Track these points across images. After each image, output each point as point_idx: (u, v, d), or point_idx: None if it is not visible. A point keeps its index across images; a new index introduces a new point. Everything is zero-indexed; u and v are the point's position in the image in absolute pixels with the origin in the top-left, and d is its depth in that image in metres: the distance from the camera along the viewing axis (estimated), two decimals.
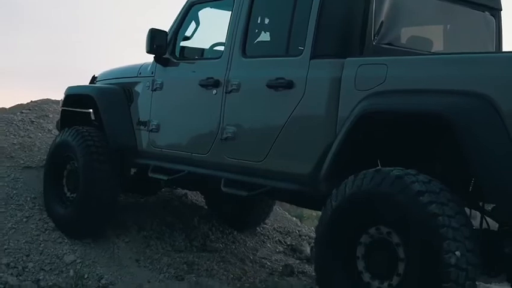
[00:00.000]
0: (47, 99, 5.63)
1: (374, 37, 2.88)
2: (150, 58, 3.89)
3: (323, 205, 2.71)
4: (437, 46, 3.22)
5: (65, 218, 4.08)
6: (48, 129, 5.13)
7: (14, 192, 4.27)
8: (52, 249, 3.90)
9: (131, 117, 3.98)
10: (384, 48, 2.89)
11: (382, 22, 2.90)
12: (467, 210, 2.59)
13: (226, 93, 3.32)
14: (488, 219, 2.76)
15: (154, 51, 3.71)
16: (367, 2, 2.86)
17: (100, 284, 3.71)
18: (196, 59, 3.91)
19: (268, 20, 3.45)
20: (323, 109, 2.85)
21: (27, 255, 3.81)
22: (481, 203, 2.71)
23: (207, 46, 3.91)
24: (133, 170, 4.31)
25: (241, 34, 3.31)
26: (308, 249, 4.65)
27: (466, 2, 3.21)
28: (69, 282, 3.60)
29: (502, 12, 3.39)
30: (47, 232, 4.04)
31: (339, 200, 2.60)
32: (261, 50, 3.39)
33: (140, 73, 4.05)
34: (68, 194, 4.18)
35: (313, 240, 2.84)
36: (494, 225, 2.75)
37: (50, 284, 3.64)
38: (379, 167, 2.67)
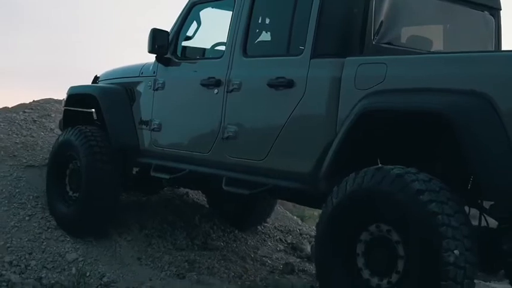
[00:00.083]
0: (49, 98, 5.66)
1: (374, 36, 2.90)
2: (152, 58, 3.92)
3: (323, 203, 2.73)
4: (437, 45, 3.23)
5: (67, 217, 4.10)
6: (51, 129, 5.15)
7: (17, 190, 4.30)
8: (54, 248, 3.92)
9: (133, 117, 4.00)
10: (383, 48, 2.91)
11: (381, 22, 2.92)
12: (466, 208, 2.61)
13: (227, 92, 3.34)
14: (487, 217, 2.78)
15: (156, 51, 3.73)
16: (367, 1, 2.88)
17: (102, 282, 3.73)
18: (198, 58, 3.92)
19: (268, 19, 3.47)
20: (323, 108, 2.87)
21: (30, 253, 3.84)
22: (479, 201, 2.73)
23: (208, 46, 3.93)
24: (135, 169, 4.34)
25: (242, 34, 3.33)
26: (309, 248, 4.67)
27: (466, 1, 3.23)
28: (71, 280, 3.62)
29: (502, 12, 3.41)
30: (49, 230, 4.06)
31: (339, 197, 2.62)
32: (262, 49, 3.41)
33: (142, 73, 4.07)
34: (71, 193, 4.20)
35: (314, 239, 2.86)
36: (493, 223, 2.77)
37: (52, 281, 3.66)
38: (379, 165, 2.68)
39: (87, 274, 3.73)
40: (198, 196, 5.00)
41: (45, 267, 3.77)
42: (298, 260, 4.54)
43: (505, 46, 3.42)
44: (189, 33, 3.85)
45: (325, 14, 2.92)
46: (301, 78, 2.96)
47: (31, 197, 4.29)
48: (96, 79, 4.63)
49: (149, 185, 4.41)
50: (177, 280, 3.81)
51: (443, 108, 2.45)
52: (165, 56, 3.80)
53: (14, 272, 3.67)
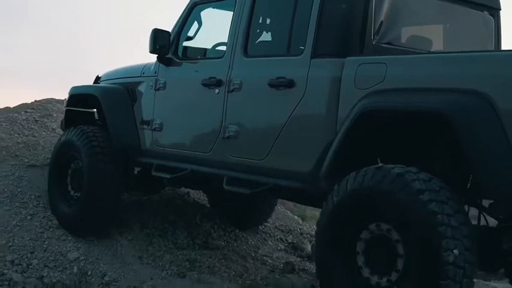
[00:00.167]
0: (51, 98, 5.68)
1: (374, 37, 2.92)
2: (153, 58, 3.93)
3: (324, 202, 2.74)
4: (437, 45, 3.25)
5: (69, 216, 4.12)
6: (52, 128, 5.17)
7: (19, 190, 4.31)
8: (56, 247, 3.93)
9: (135, 117, 4.02)
10: (383, 48, 2.92)
11: (381, 22, 2.93)
12: (465, 207, 2.62)
13: (228, 92, 3.35)
14: (487, 216, 2.79)
15: (158, 51, 3.75)
16: (367, 2, 2.89)
17: (103, 281, 3.74)
18: (199, 58, 3.94)
19: (269, 20, 3.49)
20: (323, 108, 2.89)
21: (32, 253, 3.85)
22: (479, 200, 2.74)
23: (209, 46, 3.94)
24: (136, 169, 4.35)
25: (243, 34, 3.35)
26: (309, 247, 4.68)
27: (465, 1, 3.24)
28: (73, 279, 3.63)
29: (501, 12, 3.42)
30: (51, 230, 4.08)
31: (340, 196, 2.63)
32: (263, 49, 3.43)
33: (143, 73, 4.08)
34: (72, 192, 4.22)
35: (315, 237, 2.87)
36: (493, 222, 2.78)
37: (54, 280, 3.67)
38: (380, 164, 2.69)
39: (89, 273, 3.74)
40: (199, 196, 5.01)
41: (46, 266, 3.79)
42: (298, 259, 4.55)
43: (504, 46, 3.45)
44: (190, 33, 3.87)
45: (325, 14, 2.94)
46: (301, 78, 2.98)
47: (33, 197, 4.30)
48: (97, 79, 4.65)
49: (150, 185, 4.43)
50: (178, 279, 3.82)
51: (443, 108, 2.46)
52: (167, 56, 3.82)
53: (16, 271, 3.68)
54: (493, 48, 3.35)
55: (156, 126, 3.85)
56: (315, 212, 5.57)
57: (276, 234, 4.91)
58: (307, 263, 4.44)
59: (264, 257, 4.46)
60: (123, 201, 4.28)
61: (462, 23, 3.32)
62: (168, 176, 3.73)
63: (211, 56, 3.88)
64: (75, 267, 3.78)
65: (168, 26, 3.86)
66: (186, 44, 3.87)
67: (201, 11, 3.81)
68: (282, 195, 3.63)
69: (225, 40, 3.49)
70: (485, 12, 3.34)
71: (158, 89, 3.89)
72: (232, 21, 3.43)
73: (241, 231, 4.73)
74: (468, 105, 2.42)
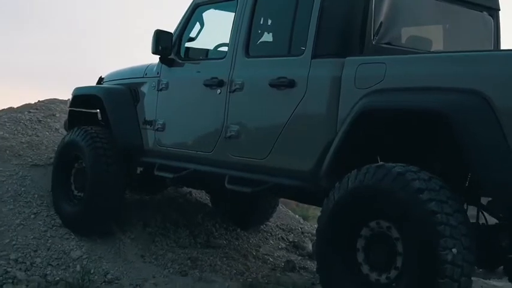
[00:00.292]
0: (54, 98, 5.72)
1: (373, 37, 2.95)
2: (156, 59, 3.97)
3: (325, 199, 2.77)
4: (436, 45, 3.27)
5: (72, 216, 4.15)
6: (56, 128, 5.21)
7: (22, 189, 4.34)
8: (59, 245, 3.96)
9: (137, 117, 4.04)
10: (383, 48, 2.95)
11: (381, 22, 2.96)
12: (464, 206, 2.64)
13: (230, 92, 3.38)
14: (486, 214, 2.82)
15: (160, 52, 3.78)
16: (367, 2, 2.92)
17: (106, 279, 3.77)
18: (201, 59, 3.96)
19: (270, 21, 3.52)
20: (324, 107, 2.92)
21: (35, 251, 3.88)
22: (478, 199, 2.76)
23: (211, 47, 3.97)
24: (139, 169, 4.38)
25: (245, 35, 3.38)
26: (310, 246, 4.71)
27: (465, 2, 3.27)
28: (76, 277, 3.66)
29: (500, 12, 3.45)
30: (54, 228, 4.11)
31: (341, 193, 2.66)
32: (264, 50, 3.46)
33: (146, 74, 4.11)
34: (76, 192, 4.24)
35: (315, 233, 2.89)
36: (492, 221, 2.81)
37: (57, 278, 3.70)
38: (380, 162, 2.72)
39: (92, 271, 3.76)
40: (201, 195, 5.04)
41: (50, 264, 3.81)
42: (299, 258, 4.58)
43: (503, 46, 3.46)
44: (192, 34, 3.90)
45: (325, 15, 2.97)
46: (302, 78, 3.01)
47: (36, 196, 4.33)
48: (100, 80, 4.69)
49: (153, 185, 4.46)
50: (179, 277, 3.84)
51: (442, 107, 2.49)
52: (169, 57, 3.85)
53: (20, 269, 3.71)
54: (492, 49, 3.38)
55: (159, 126, 3.88)
56: (317, 212, 5.57)
57: (277, 233, 4.94)
58: (308, 262, 4.47)
59: (265, 256, 4.48)
60: (125, 200, 4.30)
61: (461, 24, 3.34)
62: (171, 176, 3.76)
63: (213, 57, 3.90)
64: (78, 266, 3.81)
65: (167, 25, 3.89)
66: (188, 44, 3.90)
67: (203, 12, 3.84)
68: (283, 194, 3.65)
69: (227, 41, 3.52)
70: (485, 12, 3.36)
71: (161, 90, 3.92)
72: (234, 22, 3.46)
73: (243, 230, 4.75)
74: (467, 104, 2.44)
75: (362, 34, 2.91)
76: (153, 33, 3.76)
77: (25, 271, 3.71)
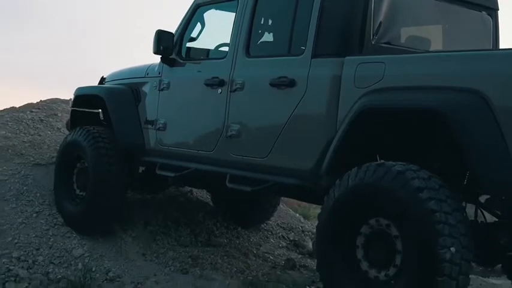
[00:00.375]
0: (56, 98, 5.75)
1: (373, 36, 2.97)
2: (157, 59, 3.99)
3: (325, 196, 2.78)
4: (435, 45, 3.29)
5: (74, 215, 4.17)
6: (57, 128, 5.24)
7: (25, 188, 4.36)
8: (61, 244, 3.99)
9: (139, 117, 4.07)
10: (382, 47, 2.97)
11: (380, 22, 2.98)
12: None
13: (230, 92, 3.41)
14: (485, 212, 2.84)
15: (161, 52, 3.80)
16: (366, 3, 2.94)
17: (107, 277, 3.79)
18: (202, 59, 3.98)
19: (271, 21, 3.54)
20: (324, 106, 2.94)
21: (37, 249, 3.90)
22: (477, 197, 2.79)
23: (212, 47, 3.99)
24: (141, 169, 4.41)
25: (245, 35, 3.40)
26: (310, 245, 4.73)
27: (464, 1, 3.29)
28: (78, 275, 3.68)
29: (499, 12, 3.47)
30: (56, 227, 4.13)
31: (341, 191, 2.68)
32: (264, 50, 3.48)
33: (147, 73, 4.13)
34: (78, 191, 4.26)
35: (316, 230, 2.91)
36: (490, 218, 2.83)
37: (59, 276, 3.72)
38: (381, 161, 2.73)
39: (93, 269, 3.79)
40: (202, 194, 5.07)
41: (52, 262, 3.84)
42: (299, 256, 4.60)
43: (502, 46, 3.49)
44: (193, 34, 3.92)
45: (325, 15, 2.99)
46: (302, 78, 3.03)
47: (38, 195, 4.35)
48: (102, 80, 4.71)
49: (155, 184, 4.49)
50: (180, 275, 3.86)
51: (440, 106, 2.51)
52: (170, 57, 3.87)
53: (22, 267, 3.73)
54: (491, 48, 3.40)
55: (160, 125, 3.90)
56: (318, 211, 5.59)
57: (277, 231, 4.96)
58: (308, 260, 4.49)
59: (266, 254, 4.50)
60: (127, 199, 4.32)
61: (460, 23, 3.36)
62: (172, 175, 3.78)
63: (214, 57, 3.92)
64: (80, 264, 3.84)
65: (167, 25, 3.92)
66: (189, 44, 3.92)
67: (204, 12, 3.87)
68: (284, 192, 3.67)
69: (228, 41, 3.55)
70: (484, 12, 3.38)
71: (162, 89, 3.94)
72: (235, 22, 3.49)
73: (244, 229, 4.77)
74: (465, 103, 2.46)
75: (361, 34, 2.94)
76: (154, 34, 3.79)
77: (27, 269, 3.74)
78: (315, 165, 2.94)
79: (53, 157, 4.64)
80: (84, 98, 4.45)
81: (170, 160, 3.82)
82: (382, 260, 2.59)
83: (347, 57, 2.91)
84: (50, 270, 3.78)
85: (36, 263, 3.81)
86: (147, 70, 4.17)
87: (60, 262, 3.85)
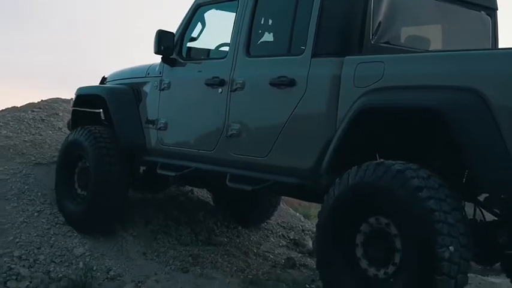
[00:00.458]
0: (57, 98, 5.77)
1: (372, 36, 2.98)
2: (157, 59, 4.01)
3: (325, 195, 2.80)
4: (435, 45, 3.30)
5: (75, 214, 4.18)
6: (59, 127, 5.26)
7: (26, 187, 4.38)
8: (62, 243, 4.00)
9: (140, 116, 4.08)
10: (382, 47, 2.99)
11: (380, 22, 3.00)
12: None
13: (231, 91, 3.42)
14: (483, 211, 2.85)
15: (162, 52, 3.82)
16: (366, 2, 2.96)
17: (108, 276, 3.80)
18: (202, 59, 4.00)
19: (271, 21, 3.56)
20: (324, 106, 2.95)
21: (39, 248, 3.92)
22: (475, 195, 2.80)
23: (212, 47, 4.01)
24: (142, 168, 4.42)
25: (245, 35, 3.42)
26: (310, 244, 4.74)
27: (463, 1, 3.30)
28: (79, 273, 3.69)
29: (498, 12, 3.48)
30: (57, 226, 4.15)
31: (341, 189, 2.69)
32: (264, 49, 3.50)
33: (148, 73, 4.15)
34: (79, 190, 4.28)
35: (315, 227, 2.92)
36: (489, 217, 2.84)
37: (60, 275, 3.74)
38: (381, 160, 2.75)
39: (94, 268, 3.80)
40: (202, 193, 5.08)
41: (53, 261, 3.85)
42: (299, 255, 4.61)
43: (501, 45, 3.50)
44: (194, 34, 3.93)
45: (325, 15, 3.01)
46: (302, 77, 3.05)
47: (39, 194, 4.37)
48: (103, 80, 4.73)
49: (156, 183, 4.50)
50: (181, 274, 3.87)
51: (439, 105, 2.52)
52: (171, 57, 3.88)
53: (23, 266, 3.75)
54: (490, 47, 3.41)
55: (161, 125, 3.92)
56: (319, 211, 5.61)
57: (278, 231, 4.98)
58: (308, 259, 4.50)
59: (266, 253, 4.52)
60: (128, 198, 4.33)
61: (460, 23, 3.37)
62: (173, 174, 3.79)
63: (215, 57, 3.94)
64: (81, 263, 3.85)
65: (167, 25, 3.94)
66: (190, 44, 3.94)
67: (205, 12, 3.88)
68: (284, 191, 3.68)
69: (228, 41, 3.56)
70: (483, 12, 3.39)
71: (163, 89, 3.95)
72: (235, 22, 3.50)
73: (244, 228, 4.79)
74: (463, 102, 2.48)
75: (361, 33, 2.95)
76: (155, 34, 3.80)
77: (28, 268, 3.75)
78: (315, 164, 2.96)
79: (54, 156, 4.65)
80: (85, 97, 4.46)
81: (171, 159, 3.84)
82: (382, 259, 2.60)
83: (347, 57, 2.92)
84: (51, 269, 3.79)
85: (38, 261, 3.82)
86: (148, 70, 4.18)
87: (61, 261, 3.87)
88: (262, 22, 3.53)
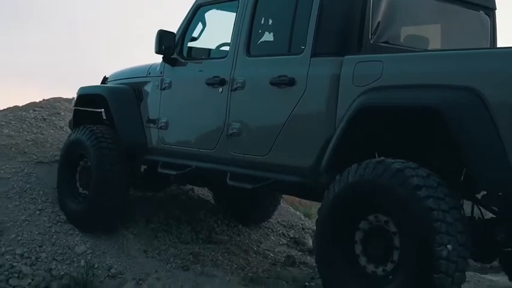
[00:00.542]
0: (59, 97, 5.80)
1: (371, 36, 3.00)
2: (159, 58, 4.03)
3: (325, 192, 2.82)
4: (434, 44, 3.32)
5: (77, 213, 4.21)
6: (60, 127, 5.28)
7: (28, 186, 4.40)
8: (64, 241, 4.02)
9: (141, 116, 4.10)
10: (381, 47, 3.01)
11: (379, 21, 3.02)
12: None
13: (231, 91, 3.44)
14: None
15: (163, 51, 3.84)
16: (365, 2, 2.98)
17: (109, 274, 3.82)
18: (203, 58, 4.02)
19: (271, 20, 3.58)
20: (323, 105, 2.98)
21: (40, 246, 3.94)
22: (473, 193, 2.82)
23: (213, 46, 4.03)
24: (143, 167, 4.44)
25: (246, 34, 3.44)
26: (310, 242, 4.76)
27: (462, 1, 3.32)
28: (80, 271, 3.72)
29: (497, 12, 3.50)
30: (59, 224, 4.17)
31: (341, 186, 2.71)
32: (265, 49, 3.52)
33: (149, 73, 4.17)
34: (81, 189, 4.30)
35: (315, 224, 2.94)
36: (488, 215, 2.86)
37: (62, 273, 3.76)
38: (381, 158, 2.76)
39: (95, 266, 3.83)
40: (203, 192, 5.11)
41: (55, 259, 3.88)
42: (299, 253, 4.63)
43: (500, 45, 3.52)
44: (195, 34, 3.95)
45: (324, 14, 3.03)
46: (302, 77, 3.07)
47: (41, 192, 4.39)
48: (105, 79, 4.75)
49: (157, 182, 4.52)
50: (181, 272, 3.89)
51: (437, 104, 2.54)
52: (172, 57, 3.90)
53: (25, 264, 3.77)
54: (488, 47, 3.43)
55: (162, 124, 3.94)
56: None
57: (278, 229, 5.00)
58: (308, 257, 4.52)
59: (266, 251, 4.53)
60: (129, 197, 4.36)
61: (459, 23, 3.39)
62: (174, 173, 3.81)
63: (215, 56, 3.96)
64: (83, 261, 3.87)
65: (167, 25, 3.96)
66: (190, 44, 3.96)
67: (205, 12, 3.90)
68: (284, 190, 3.70)
69: (229, 40, 3.59)
70: (481, 11, 3.41)
71: (164, 89, 3.98)
72: (235, 22, 3.52)
73: (244, 226, 4.81)
74: (461, 101, 2.50)
75: (360, 33, 2.97)
76: (156, 33, 3.82)
77: (30, 266, 3.77)
78: (315, 163, 2.98)
79: (55, 155, 4.68)
80: (86, 97, 4.48)
81: (172, 158, 3.86)
82: (380, 256, 2.62)
83: (346, 56, 2.94)
84: (52, 267, 3.81)
85: (39, 259, 3.85)
86: (149, 70, 4.20)
87: (62, 259, 3.89)
88: (262, 22, 3.55)
